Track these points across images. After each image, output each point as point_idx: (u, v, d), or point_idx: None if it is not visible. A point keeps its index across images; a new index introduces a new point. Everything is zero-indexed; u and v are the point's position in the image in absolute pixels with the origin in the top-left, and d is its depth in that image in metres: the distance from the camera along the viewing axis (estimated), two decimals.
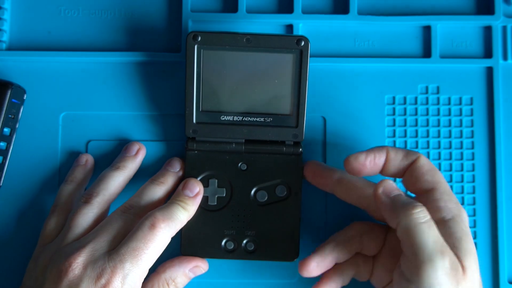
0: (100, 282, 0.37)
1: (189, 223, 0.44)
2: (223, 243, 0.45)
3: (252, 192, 0.45)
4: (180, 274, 0.43)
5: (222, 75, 0.43)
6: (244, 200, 0.45)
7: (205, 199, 0.45)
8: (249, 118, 0.44)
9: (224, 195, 0.45)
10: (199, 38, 0.43)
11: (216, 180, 0.45)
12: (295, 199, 0.45)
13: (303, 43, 0.43)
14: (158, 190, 0.43)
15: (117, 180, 0.44)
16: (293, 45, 0.43)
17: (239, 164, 0.45)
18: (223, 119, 0.44)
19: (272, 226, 0.45)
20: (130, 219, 0.41)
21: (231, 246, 0.45)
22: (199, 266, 0.44)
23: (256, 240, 0.45)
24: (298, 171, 0.45)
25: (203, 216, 0.45)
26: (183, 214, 0.42)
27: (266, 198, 0.45)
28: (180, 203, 0.42)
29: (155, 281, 0.43)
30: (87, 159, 0.46)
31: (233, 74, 0.43)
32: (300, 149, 0.45)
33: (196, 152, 0.45)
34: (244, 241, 0.45)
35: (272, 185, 0.45)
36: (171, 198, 0.43)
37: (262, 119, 0.44)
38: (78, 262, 0.38)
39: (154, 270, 0.43)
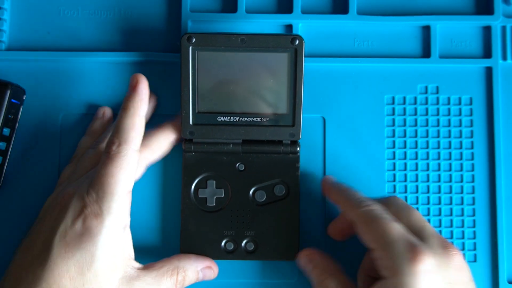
0: (83, 212, 0.39)
1: (188, 224, 0.44)
2: (222, 244, 0.45)
3: (251, 192, 0.45)
4: (192, 268, 0.43)
5: (217, 76, 0.43)
6: (243, 200, 0.45)
7: (203, 201, 0.45)
8: (245, 118, 0.44)
9: (223, 196, 0.45)
10: (194, 40, 0.43)
11: (214, 181, 0.45)
12: (294, 198, 0.45)
13: (297, 42, 0.43)
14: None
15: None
16: (287, 44, 0.43)
17: (237, 165, 0.45)
18: (220, 120, 0.44)
19: (271, 225, 0.45)
20: None
21: (231, 246, 0.45)
22: (211, 268, 0.44)
23: (256, 240, 0.45)
24: (296, 170, 0.45)
25: (202, 218, 0.45)
26: (129, 119, 0.41)
27: (265, 198, 0.45)
28: (123, 106, 0.41)
29: (166, 264, 0.42)
30: (104, 111, 0.47)
31: (228, 75, 0.43)
32: (298, 148, 0.45)
33: (193, 153, 0.45)
34: (244, 242, 0.45)
35: (270, 184, 0.45)
36: None
37: (259, 119, 0.44)
38: (69, 193, 0.40)
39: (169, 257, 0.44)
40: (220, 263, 0.46)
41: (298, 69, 0.43)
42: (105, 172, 0.39)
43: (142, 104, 0.41)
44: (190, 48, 0.43)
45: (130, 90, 0.42)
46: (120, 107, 0.42)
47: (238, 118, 0.44)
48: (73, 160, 0.46)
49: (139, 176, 0.44)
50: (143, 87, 0.42)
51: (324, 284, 0.41)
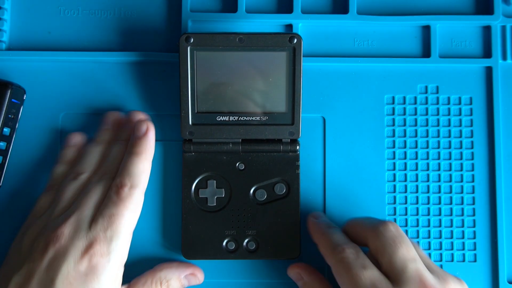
0: (88, 252, 0.38)
1: (190, 224, 0.44)
2: (224, 243, 0.45)
3: (251, 191, 0.45)
4: (175, 277, 0.44)
5: (216, 76, 0.43)
6: (244, 199, 0.45)
7: (204, 201, 0.45)
8: (245, 118, 0.44)
9: (223, 195, 0.45)
10: (192, 40, 0.43)
11: (215, 181, 0.45)
12: (294, 197, 0.45)
13: (295, 40, 0.43)
14: None
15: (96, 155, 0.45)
16: (285, 43, 0.43)
17: (237, 164, 0.45)
18: (219, 119, 0.44)
19: (272, 224, 0.45)
20: (108, 184, 0.42)
21: (232, 246, 0.45)
22: (195, 275, 0.45)
23: (257, 239, 0.45)
24: (296, 168, 0.45)
25: (203, 218, 0.45)
26: (141, 163, 0.42)
27: (265, 196, 0.45)
28: (134, 150, 0.43)
29: (149, 277, 0.43)
30: (75, 137, 0.46)
31: (227, 74, 0.43)
32: (297, 146, 0.45)
33: (193, 154, 0.45)
34: (245, 241, 0.45)
35: (270, 183, 0.45)
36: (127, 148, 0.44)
37: (258, 118, 0.44)
38: (64, 233, 0.39)
39: (152, 268, 0.44)
40: (222, 263, 0.47)
41: (296, 67, 0.43)
42: (116, 213, 0.40)
43: (152, 150, 0.44)
44: (189, 48, 0.43)
45: (140, 135, 0.44)
46: (131, 150, 0.43)
47: (237, 118, 0.44)
48: (50, 190, 0.44)
49: None
50: (153, 134, 0.44)
51: None
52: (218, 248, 0.45)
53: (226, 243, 0.45)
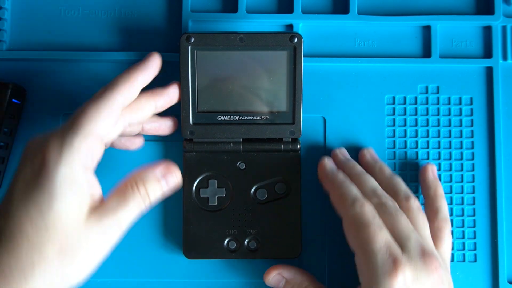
0: (43, 148, 0.36)
1: (191, 224, 0.44)
2: (225, 243, 0.45)
3: (252, 190, 0.45)
4: (151, 177, 0.39)
5: (217, 75, 0.44)
6: (244, 199, 0.45)
7: (205, 200, 0.45)
8: (245, 117, 0.44)
9: (224, 195, 0.45)
10: (193, 40, 0.43)
11: (216, 181, 0.45)
12: (295, 196, 0.45)
13: (296, 39, 0.43)
14: None
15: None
16: (286, 42, 0.43)
17: (238, 164, 0.45)
18: (220, 119, 0.44)
19: (273, 223, 0.45)
20: None
21: (233, 245, 0.45)
22: (172, 172, 0.40)
23: (258, 238, 0.45)
24: (297, 167, 0.45)
25: (204, 217, 0.45)
26: (125, 73, 0.40)
27: (266, 196, 0.45)
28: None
29: (123, 184, 0.38)
30: None
31: (228, 74, 0.43)
32: (298, 146, 0.45)
33: (194, 153, 0.45)
34: (246, 240, 0.45)
35: (271, 182, 0.45)
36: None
37: (259, 118, 0.44)
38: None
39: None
40: (223, 263, 0.47)
41: (297, 66, 0.43)
42: (79, 110, 0.37)
43: (142, 69, 0.41)
44: (189, 47, 0.43)
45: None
46: None
47: (238, 117, 0.44)
48: None
49: (115, 136, 0.41)
50: (154, 60, 0.42)
51: None
52: (219, 248, 0.45)
53: (227, 242, 0.45)
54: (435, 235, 0.43)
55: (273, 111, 0.44)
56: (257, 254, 0.45)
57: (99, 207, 0.37)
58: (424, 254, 0.38)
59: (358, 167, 0.45)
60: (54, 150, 0.36)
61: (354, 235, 0.39)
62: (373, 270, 0.37)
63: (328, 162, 0.45)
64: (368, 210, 0.40)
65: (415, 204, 0.42)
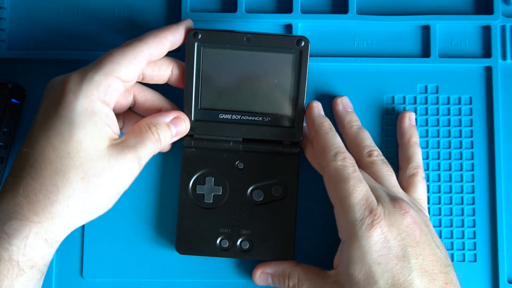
0: (64, 80, 0.38)
1: (185, 220, 0.45)
2: (218, 241, 0.45)
3: (248, 191, 0.45)
4: (161, 123, 0.41)
5: (221, 73, 0.44)
6: (240, 199, 0.45)
7: (201, 197, 0.45)
8: (247, 117, 0.44)
9: (220, 193, 0.45)
10: (200, 36, 0.43)
11: (213, 178, 0.45)
12: (291, 199, 0.45)
13: (303, 43, 0.43)
14: None
15: None
16: (293, 45, 0.43)
17: (236, 163, 0.45)
18: (221, 117, 0.44)
19: (267, 225, 0.45)
20: None
21: (226, 244, 0.45)
22: (181, 118, 0.43)
23: (251, 239, 0.45)
24: (295, 171, 0.45)
25: (198, 214, 0.45)
26: (156, 30, 0.41)
27: (262, 197, 0.45)
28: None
29: (137, 125, 0.41)
30: None
31: (232, 73, 0.43)
32: (298, 149, 0.45)
33: (193, 149, 0.45)
34: (239, 240, 0.45)
35: (268, 184, 0.45)
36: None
37: (260, 118, 0.44)
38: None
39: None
40: (214, 263, 0.46)
41: (302, 70, 0.43)
42: (106, 54, 0.39)
43: (173, 29, 0.41)
44: (196, 44, 0.43)
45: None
46: None
47: (239, 117, 0.44)
48: None
49: (135, 75, 0.41)
50: (186, 23, 0.43)
51: (291, 279, 0.43)
52: (211, 245, 0.45)
53: (220, 241, 0.45)
54: (408, 181, 0.44)
55: (275, 113, 0.44)
56: (249, 255, 0.45)
57: (119, 143, 0.38)
58: (393, 200, 0.39)
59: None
60: (74, 83, 0.37)
61: (333, 188, 0.40)
62: (350, 224, 0.38)
63: (316, 106, 0.44)
64: (349, 163, 0.40)
65: (379, 157, 0.44)
